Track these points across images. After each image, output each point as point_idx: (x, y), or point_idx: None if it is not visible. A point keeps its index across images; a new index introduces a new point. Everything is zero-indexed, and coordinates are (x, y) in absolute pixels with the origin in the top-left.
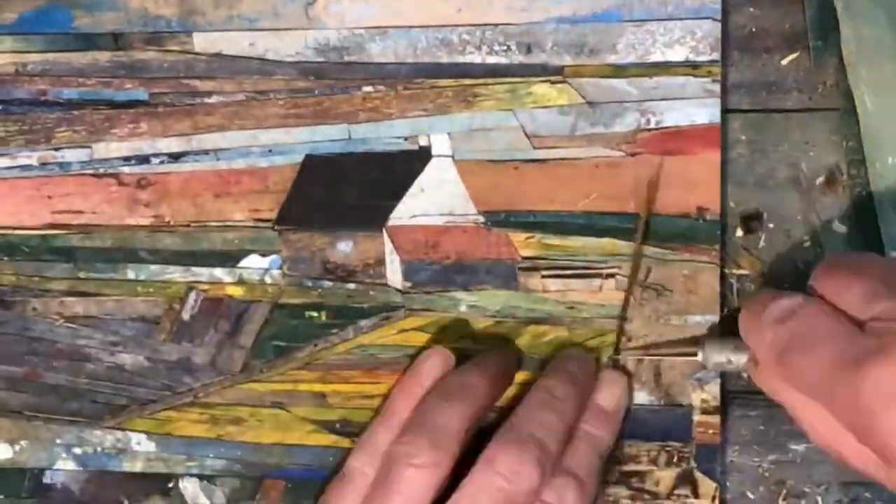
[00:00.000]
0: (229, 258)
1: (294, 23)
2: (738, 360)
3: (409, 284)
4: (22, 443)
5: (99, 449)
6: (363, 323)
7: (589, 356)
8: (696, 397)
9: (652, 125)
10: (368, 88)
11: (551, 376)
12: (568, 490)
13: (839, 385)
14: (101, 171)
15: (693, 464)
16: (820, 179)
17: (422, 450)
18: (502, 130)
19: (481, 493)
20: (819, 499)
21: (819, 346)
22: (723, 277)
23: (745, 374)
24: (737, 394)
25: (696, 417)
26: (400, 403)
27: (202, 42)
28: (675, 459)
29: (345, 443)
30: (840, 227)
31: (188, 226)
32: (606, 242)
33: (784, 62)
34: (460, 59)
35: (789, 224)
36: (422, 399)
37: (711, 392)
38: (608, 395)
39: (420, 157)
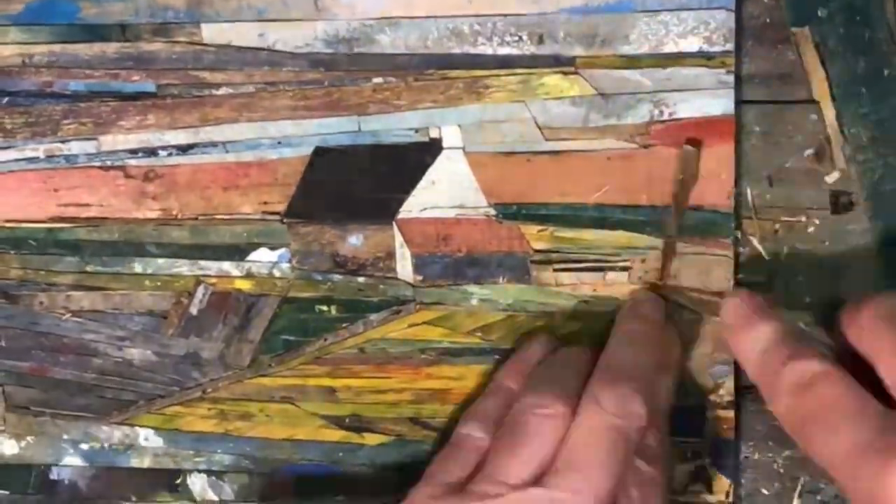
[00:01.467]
0: (238, 251)
1: (303, 13)
2: None
3: (419, 278)
4: (28, 439)
5: (106, 445)
6: (373, 317)
7: (657, 298)
8: (711, 393)
9: (665, 117)
10: (378, 80)
11: (629, 320)
12: (653, 436)
13: (860, 473)
14: (109, 163)
15: (707, 460)
16: (835, 172)
17: (552, 399)
18: (514, 122)
19: (595, 434)
20: (835, 495)
21: (842, 428)
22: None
23: None
24: (751, 389)
25: (710, 413)
26: (508, 380)
27: (211, 33)
28: (688, 455)
29: (355, 438)
30: (857, 224)
31: (196, 219)
32: (619, 235)
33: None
34: (471, 50)
35: (805, 218)
36: (536, 368)
37: (726, 387)
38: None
39: (431, 150)
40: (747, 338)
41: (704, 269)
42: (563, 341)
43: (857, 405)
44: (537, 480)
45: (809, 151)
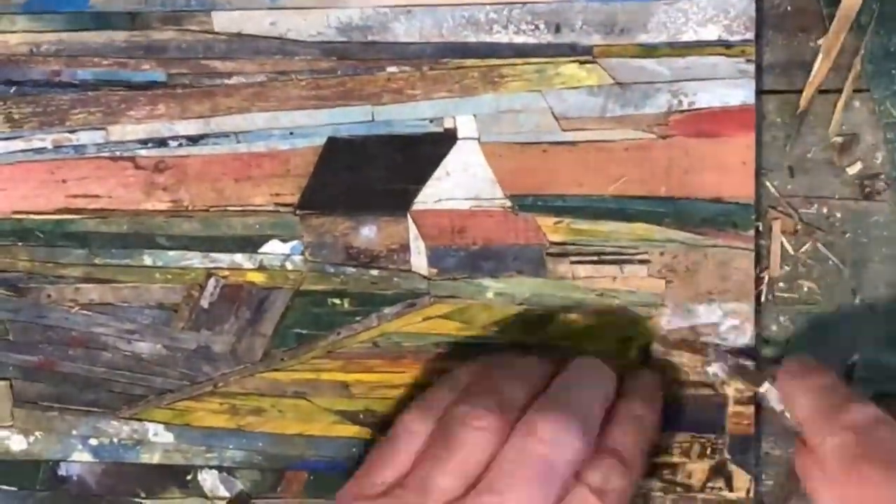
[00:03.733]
0: (249, 244)
1: (316, 1)
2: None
3: (434, 271)
4: (36, 434)
5: (115, 440)
6: (387, 310)
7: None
8: (730, 388)
9: (684, 107)
10: (392, 69)
11: (579, 362)
12: (613, 472)
13: None
14: (118, 153)
15: (727, 455)
16: (858, 163)
17: (487, 413)
18: (530, 112)
19: (521, 461)
20: None
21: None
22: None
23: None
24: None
25: (730, 408)
26: (463, 375)
27: (222, 21)
28: (708, 451)
29: (368, 433)
30: (880, 215)
31: (207, 210)
32: (637, 227)
33: (820, 42)
34: (487, 38)
35: (827, 209)
36: (485, 372)
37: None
38: (647, 379)
39: (445, 140)
40: (805, 384)
41: (724, 261)
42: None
43: None
44: (460, 497)
45: (837, 140)
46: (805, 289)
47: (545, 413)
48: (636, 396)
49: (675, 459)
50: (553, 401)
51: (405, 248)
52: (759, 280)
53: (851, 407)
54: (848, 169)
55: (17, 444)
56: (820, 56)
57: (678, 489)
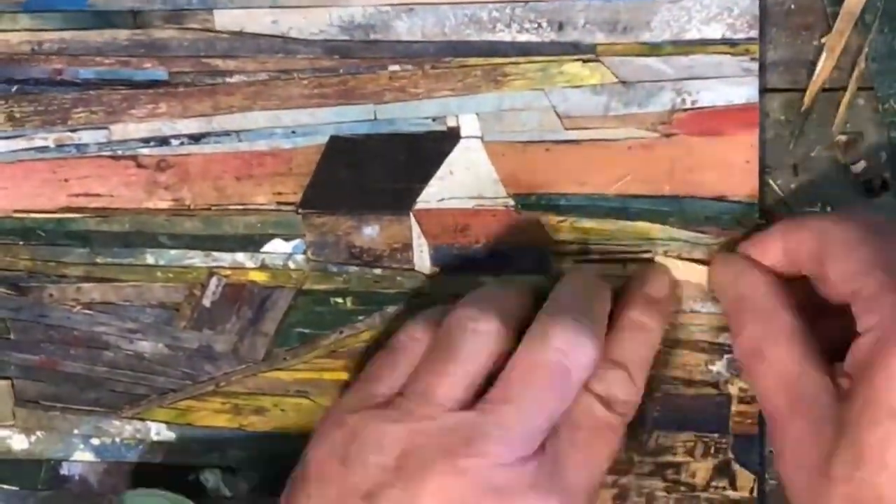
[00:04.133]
0: (251, 243)
1: None
2: None
3: (437, 270)
4: (38, 433)
5: (117, 439)
6: (390, 309)
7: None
8: (733, 387)
9: (688, 105)
10: (395, 67)
11: (573, 275)
12: (617, 381)
13: None
14: (119, 152)
15: (731, 455)
16: (862, 162)
17: (486, 315)
18: (533, 111)
19: (536, 368)
20: None
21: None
22: None
23: None
24: None
25: (734, 407)
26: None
27: (223, 20)
28: (711, 450)
29: None
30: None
31: (209, 209)
32: (641, 226)
33: (824, 40)
34: (490, 37)
35: (830, 208)
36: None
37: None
38: (656, 284)
39: (448, 139)
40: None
41: None
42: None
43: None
44: (468, 404)
45: (841, 138)
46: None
47: (558, 320)
48: (638, 301)
49: (679, 459)
50: (563, 308)
51: (408, 247)
52: None
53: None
54: (852, 167)
55: (19, 443)
56: (824, 54)
57: (682, 488)
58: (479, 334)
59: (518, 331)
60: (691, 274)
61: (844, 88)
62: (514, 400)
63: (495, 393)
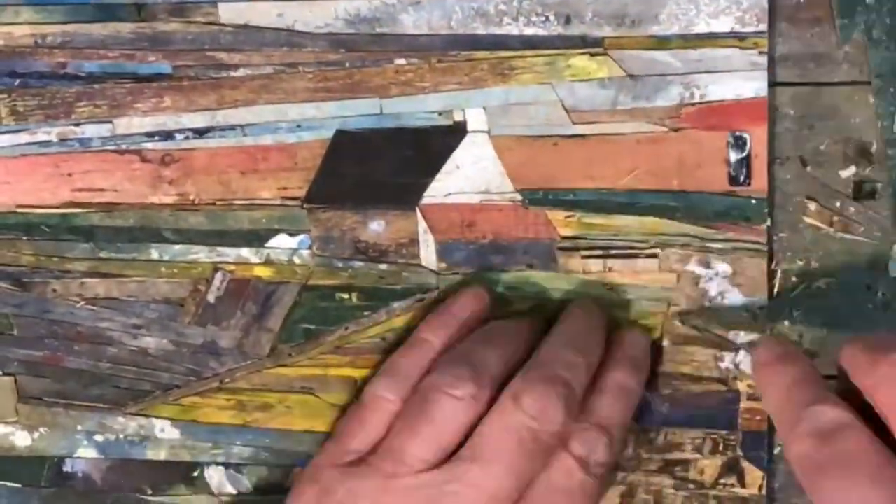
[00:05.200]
0: (256, 238)
1: None
2: None
3: (443, 265)
4: (41, 430)
5: (121, 436)
6: (396, 305)
7: (597, 307)
8: (742, 383)
9: (696, 99)
10: (401, 61)
11: (569, 321)
12: (598, 444)
13: None
14: (123, 147)
15: (739, 452)
16: (852, 167)
17: (463, 382)
18: (540, 105)
19: (507, 432)
20: None
21: (858, 484)
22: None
23: None
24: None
25: (743, 404)
26: (431, 335)
27: (228, 12)
28: (720, 447)
29: None
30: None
31: (214, 204)
32: (649, 221)
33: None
34: (497, 30)
35: (838, 202)
36: (461, 338)
37: None
38: (634, 343)
39: (455, 133)
40: (774, 376)
41: (737, 256)
42: (498, 306)
43: (877, 462)
44: (437, 465)
45: (843, 136)
46: (819, 282)
47: (531, 384)
48: (623, 364)
49: (688, 456)
50: (538, 369)
51: (414, 242)
52: (771, 273)
53: (816, 410)
54: (841, 172)
55: (22, 440)
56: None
57: (690, 486)
58: (454, 400)
59: (499, 387)
60: None
61: (855, 83)
62: (481, 460)
63: (463, 452)
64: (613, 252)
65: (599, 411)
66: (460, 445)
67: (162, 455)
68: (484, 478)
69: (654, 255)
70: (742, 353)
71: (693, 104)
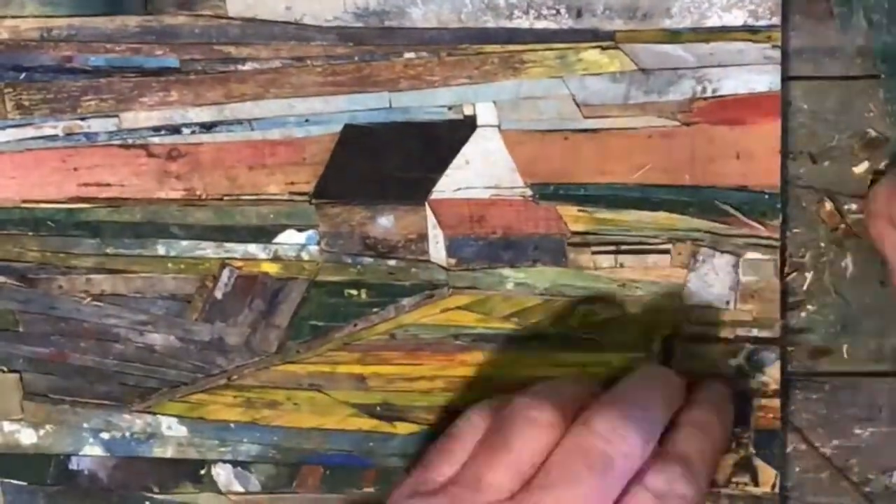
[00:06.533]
0: (264, 233)
1: None
2: None
3: (453, 261)
4: (47, 427)
5: (128, 434)
6: (405, 301)
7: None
8: (755, 381)
9: (708, 93)
10: (410, 55)
11: (642, 368)
12: (678, 478)
13: None
14: (130, 141)
15: (752, 450)
16: (866, 162)
17: (542, 406)
18: (551, 99)
19: (576, 455)
20: (885, 486)
21: None
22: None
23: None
24: (798, 377)
25: (756, 401)
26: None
27: (236, 6)
28: (733, 445)
29: (386, 427)
30: None
31: (221, 199)
32: (661, 216)
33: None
34: (507, 23)
35: (852, 197)
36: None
37: (772, 375)
38: (713, 387)
39: (464, 127)
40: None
41: (750, 251)
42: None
43: None
44: (513, 495)
45: (858, 131)
46: (833, 278)
47: (602, 407)
48: (704, 404)
49: None
50: (611, 398)
51: (423, 237)
52: (784, 269)
53: None
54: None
55: (28, 437)
56: None
57: None
58: (534, 424)
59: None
60: None
61: (868, 76)
62: (552, 487)
63: (537, 480)
64: (625, 248)
65: (679, 447)
66: None
67: (169, 453)
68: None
69: (666, 251)
70: (753, 349)
71: (705, 98)
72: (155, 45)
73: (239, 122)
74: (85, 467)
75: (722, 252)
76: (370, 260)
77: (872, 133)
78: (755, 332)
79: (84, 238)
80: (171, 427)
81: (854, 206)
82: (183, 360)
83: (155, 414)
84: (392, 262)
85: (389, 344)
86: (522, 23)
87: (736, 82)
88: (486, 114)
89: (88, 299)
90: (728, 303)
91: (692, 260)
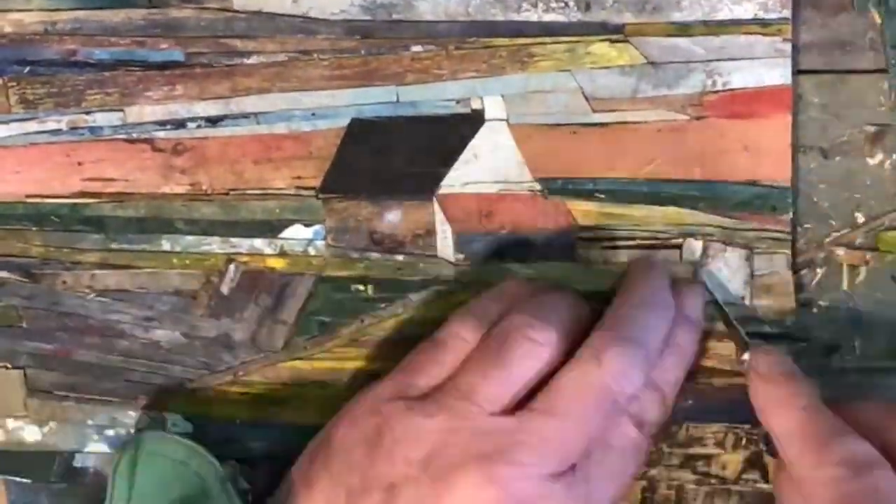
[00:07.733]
0: (270, 228)
1: None
2: None
3: (461, 256)
4: (51, 424)
5: (133, 431)
6: (413, 297)
7: (660, 262)
8: None
9: (718, 87)
10: (418, 48)
11: (638, 277)
12: (654, 405)
13: None
14: (135, 135)
15: (762, 446)
16: (879, 155)
17: (544, 326)
18: (560, 92)
19: (587, 388)
20: None
21: None
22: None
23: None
24: (810, 373)
25: None
26: (514, 287)
27: None
28: (743, 442)
29: None
30: None
31: (227, 194)
32: (671, 211)
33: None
34: (515, 16)
35: (861, 193)
36: (540, 290)
37: None
38: (692, 304)
39: (472, 121)
40: (783, 393)
41: (761, 246)
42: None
43: None
44: (508, 410)
45: (869, 128)
46: (844, 277)
47: (615, 343)
48: (682, 324)
49: (709, 451)
50: (621, 329)
51: (431, 232)
52: (795, 264)
53: (848, 440)
54: (878, 156)
55: (31, 434)
56: None
57: (712, 481)
58: (534, 343)
59: (571, 342)
60: None
61: (879, 70)
62: (558, 414)
63: (540, 404)
64: (635, 243)
65: (663, 373)
66: (529, 394)
67: None
68: (557, 432)
69: (677, 246)
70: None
71: (715, 92)
72: (160, 38)
73: (245, 116)
74: (89, 465)
75: (732, 246)
76: (377, 255)
77: (884, 127)
78: (767, 328)
79: (88, 233)
80: (177, 424)
81: (862, 196)
82: (188, 355)
83: (160, 410)
84: (399, 258)
85: (397, 340)
86: (531, 16)
87: (746, 76)
88: (494, 108)
89: (93, 295)
90: (743, 298)
91: (703, 255)
